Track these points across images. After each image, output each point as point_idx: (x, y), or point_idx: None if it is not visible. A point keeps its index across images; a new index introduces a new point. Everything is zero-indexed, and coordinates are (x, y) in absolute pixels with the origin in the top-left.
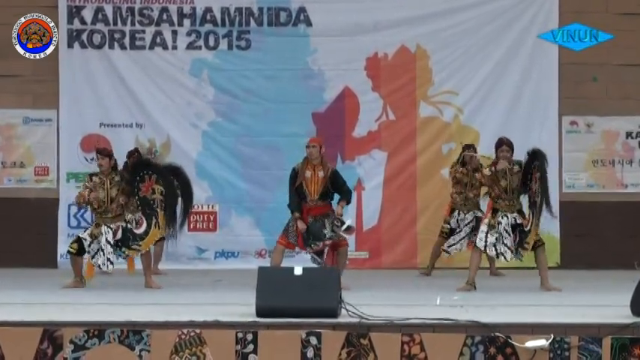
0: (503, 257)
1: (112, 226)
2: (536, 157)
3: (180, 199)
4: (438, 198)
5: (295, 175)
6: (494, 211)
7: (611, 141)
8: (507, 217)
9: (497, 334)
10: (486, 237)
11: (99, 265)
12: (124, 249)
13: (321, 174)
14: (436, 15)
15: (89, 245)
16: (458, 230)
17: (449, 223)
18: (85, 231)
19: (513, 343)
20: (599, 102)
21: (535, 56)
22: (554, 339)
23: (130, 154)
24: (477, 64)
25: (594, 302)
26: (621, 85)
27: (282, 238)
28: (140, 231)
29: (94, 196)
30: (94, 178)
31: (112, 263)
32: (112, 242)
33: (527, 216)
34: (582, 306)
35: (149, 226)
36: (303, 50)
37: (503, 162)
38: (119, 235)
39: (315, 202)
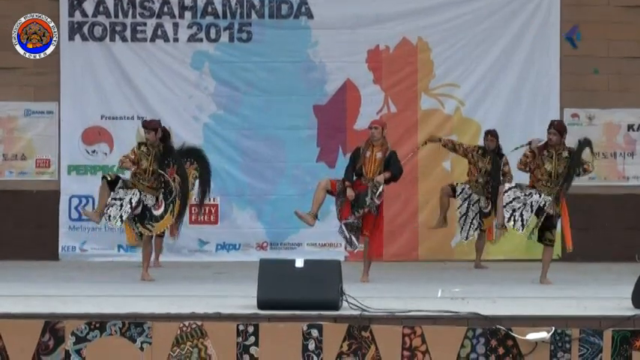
0: (513, 223)
1: (143, 193)
2: (579, 145)
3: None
4: (440, 191)
5: (357, 152)
6: (531, 188)
7: (613, 133)
8: (540, 195)
9: (499, 326)
10: (522, 216)
11: (109, 216)
12: (137, 224)
13: (379, 155)
14: (438, 7)
15: (119, 189)
16: (465, 213)
17: (456, 184)
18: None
19: (514, 335)
20: (601, 94)
21: (536, 48)
22: (555, 331)
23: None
24: (478, 56)
25: (595, 295)
26: (622, 78)
27: (335, 180)
28: (157, 213)
29: (134, 169)
30: (142, 147)
31: (121, 221)
32: (133, 204)
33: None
34: (583, 298)
35: (166, 211)
36: (304, 43)
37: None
38: (138, 210)
39: (368, 181)
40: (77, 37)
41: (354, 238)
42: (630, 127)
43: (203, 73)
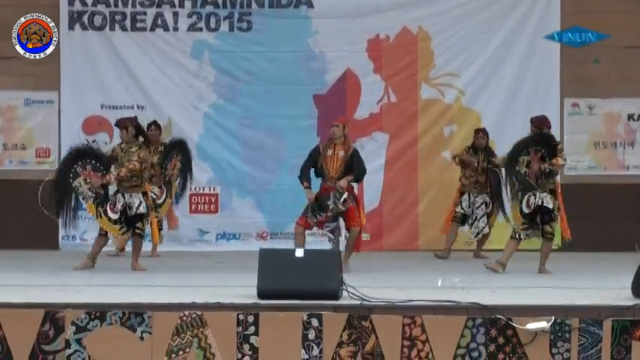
0: (525, 235)
1: (126, 195)
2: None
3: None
4: (440, 180)
5: (317, 150)
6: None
7: (613, 123)
8: (536, 196)
9: (499, 316)
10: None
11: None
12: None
13: (341, 153)
14: None
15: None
16: (473, 216)
17: (461, 207)
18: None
19: (514, 325)
20: (601, 84)
21: (537, 38)
22: (554, 321)
23: (148, 127)
24: (478, 46)
25: (595, 284)
26: (623, 68)
27: (301, 219)
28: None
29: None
30: (116, 148)
31: (120, 234)
32: (112, 217)
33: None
34: (583, 288)
35: (146, 207)
36: (304, 32)
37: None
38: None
39: (333, 181)
40: (77, 26)
41: (339, 237)
42: (630, 117)
43: (203, 62)
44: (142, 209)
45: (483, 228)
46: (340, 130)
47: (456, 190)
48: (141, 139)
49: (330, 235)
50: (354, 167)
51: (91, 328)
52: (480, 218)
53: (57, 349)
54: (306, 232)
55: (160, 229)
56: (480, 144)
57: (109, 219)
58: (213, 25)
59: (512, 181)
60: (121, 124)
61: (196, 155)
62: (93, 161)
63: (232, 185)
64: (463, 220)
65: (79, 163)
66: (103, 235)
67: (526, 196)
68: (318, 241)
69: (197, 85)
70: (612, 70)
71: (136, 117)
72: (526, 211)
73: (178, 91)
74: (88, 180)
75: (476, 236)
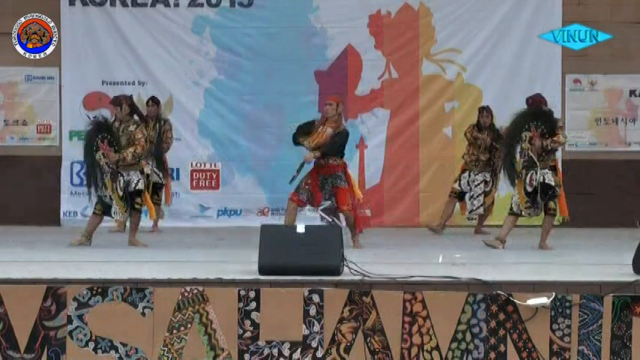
0: (529, 212)
1: (124, 173)
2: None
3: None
4: (441, 156)
5: (312, 122)
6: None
7: (615, 99)
8: (537, 172)
9: (499, 291)
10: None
11: (112, 214)
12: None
13: (329, 131)
14: None
15: (109, 199)
16: (471, 193)
17: (459, 184)
18: (100, 187)
19: (515, 300)
20: (603, 60)
21: (538, 14)
22: (555, 297)
23: (146, 103)
24: (480, 22)
25: (596, 260)
26: (625, 44)
27: (294, 194)
28: (140, 187)
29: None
30: (115, 124)
31: (125, 212)
32: (120, 194)
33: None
34: (584, 264)
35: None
36: (305, 8)
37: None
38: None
39: (324, 159)
40: (77, 2)
41: (336, 220)
42: (632, 93)
43: (204, 38)
44: (140, 186)
45: (478, 208)
46: (333, 108)
47: (459, 167)
48: (136, 117)
49: (324, 215)
50: (325, 139)
51: (93, 304)
52: (477, 197)
53: (59, 325)
54: (308, 207)
55: (159, 204)
56: (485, 122)
57: (120, 197)
58: (214, 0)
59: (511, 158)
60: (116, 101)
61: (197, 131)
62: (109, 136)
63: (233, 161)
64: (460, 196)
65: (99, 136)
66: (98, 215)
67: (529, 174)
68: (318, 217)
69: (198, 61)
70: (614, 46)
71: (131, 95)
72: (529, 189)
73: (179, 67)
74: (106, 155)
75: (470, 212)
